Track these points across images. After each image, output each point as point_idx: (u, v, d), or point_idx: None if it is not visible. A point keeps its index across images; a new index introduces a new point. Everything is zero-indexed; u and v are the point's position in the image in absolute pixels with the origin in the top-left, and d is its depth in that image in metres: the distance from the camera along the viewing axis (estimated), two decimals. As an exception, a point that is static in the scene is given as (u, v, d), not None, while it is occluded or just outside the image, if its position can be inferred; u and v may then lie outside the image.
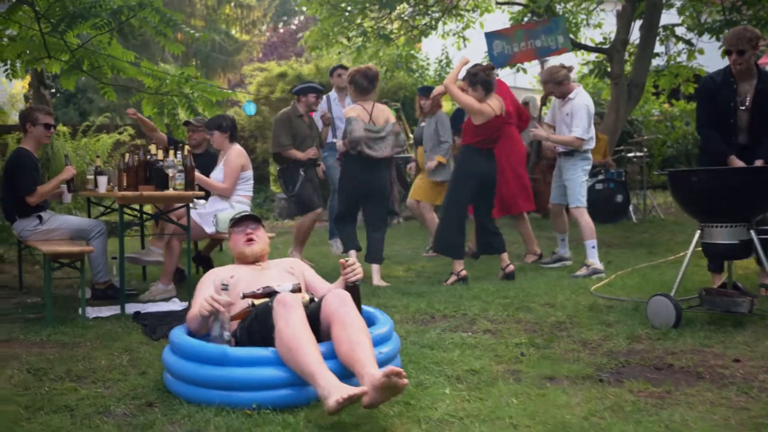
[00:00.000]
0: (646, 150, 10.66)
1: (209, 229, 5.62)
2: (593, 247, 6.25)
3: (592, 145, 6.53)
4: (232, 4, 26.58)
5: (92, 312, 4.93)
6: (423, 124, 7.52)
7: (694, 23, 11.00)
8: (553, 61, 11.09)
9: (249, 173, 5.94)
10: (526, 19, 11.67)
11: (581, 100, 6.43)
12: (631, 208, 9.92)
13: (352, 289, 3.43)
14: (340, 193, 6.33)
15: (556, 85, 6.49)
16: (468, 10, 11.69)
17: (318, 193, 7.01)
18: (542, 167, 10.56)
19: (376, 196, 6.10)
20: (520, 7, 11.70)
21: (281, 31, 32.50)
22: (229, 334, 3.33)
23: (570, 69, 6.64)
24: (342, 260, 3.49)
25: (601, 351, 3.84)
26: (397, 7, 9.67)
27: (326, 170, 7.72)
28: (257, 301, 3.43)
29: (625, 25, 10.38)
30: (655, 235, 8.81)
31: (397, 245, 8.49)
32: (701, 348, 3.81)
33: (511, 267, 6.07)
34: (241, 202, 5.83)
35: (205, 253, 6.54)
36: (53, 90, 10.46)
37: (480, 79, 5.88)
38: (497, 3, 11.34)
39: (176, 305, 5.28)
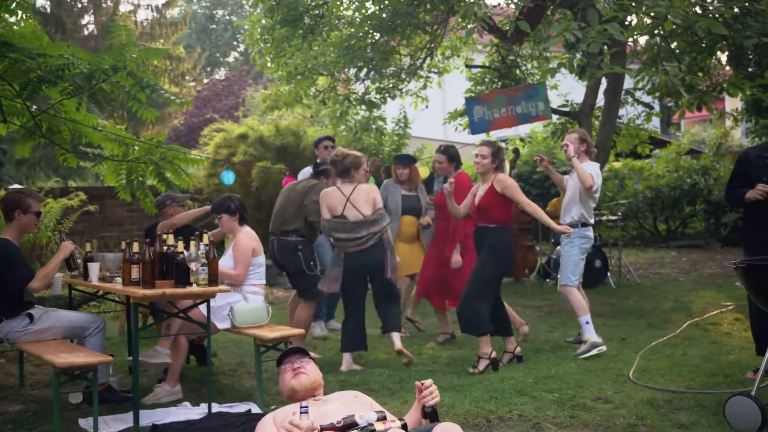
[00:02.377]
0: (620, 214, 10.68)
1: (222, 325, 5.10)
2: (587, 323, 6.08)
3: (592, 220, 6.41)
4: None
5: (101, 426, 4.31)
6: (412, 193, 7.17)
7: (646, 87, 11.17)
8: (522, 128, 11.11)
9: (261, 258, 5.43)
10: (486, 79, 11.66)
11: (592, 167, 6.36)
12: (609, 273, 9.84)
13: (431, 414, 3.09)
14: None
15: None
16: (429, 71, 11.54)
17: None
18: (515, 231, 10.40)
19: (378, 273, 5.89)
20: (481, 69, 11.65)
21: (205, 82, 31.85)
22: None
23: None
24: (418, 383, 3.17)
25: (700, 464, 3.56)
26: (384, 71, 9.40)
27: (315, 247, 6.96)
28: (343, 438, 3.00)
29: (594, 89, 10.42)
30: (639, 302, 8.72)
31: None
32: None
33: (519, 348, 5.89)
34: (255, 293, 5.32)
35: (198, 342, 5.98)
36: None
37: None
38: (466, 66, 11.24)
39: (190, 410, 4.72)
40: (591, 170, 6.26)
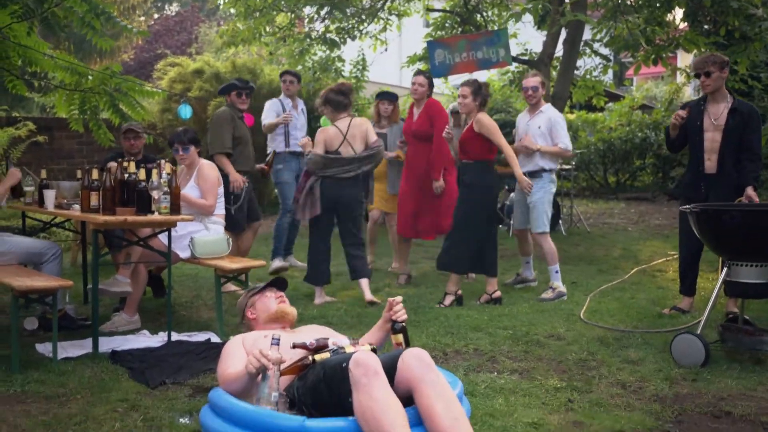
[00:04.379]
0: (573, 164, 10.84)
1: (183, 254, 5.08)
2: (557, 272, 6.21)
3: (557, 166, 6.52)
4: (111, -14, 24.97)
5: (59, 351, 4.28)
6: (383, 131, 7.16)
7: (605, 39, 11.24)
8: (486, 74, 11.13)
9: (222, 188, 5.43)
10: (447, 24, 11.59)
11: (556, 113, 6.44)
12: (560, 221, 10.03)
13: (402, 331, 3.17)
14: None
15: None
16: (390, 13, 11.42)
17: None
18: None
19: (346, 211, 5.90)
20: (441, 13, 11.56)
21: (156, 17, 30.92)
22: (278, 394, 2.92)
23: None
24: (390, 299, 3.23)
25: (647, 395, 3.73)
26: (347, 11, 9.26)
27: (278, 185, 7.16)
28: (318, 357, 3.04)
29: (553, 39, 10.46)
30: (589, 249, 8.93)
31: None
32: (747, 392, 3.76)
33: (499, 293, 5.96)
34: (216, 222, 5.31)
35: (156, 273, 5.95)
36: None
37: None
38: (427, 9, 11.14)
39: (149, 338, 4.73)
40: (556, 116, 6.38)
